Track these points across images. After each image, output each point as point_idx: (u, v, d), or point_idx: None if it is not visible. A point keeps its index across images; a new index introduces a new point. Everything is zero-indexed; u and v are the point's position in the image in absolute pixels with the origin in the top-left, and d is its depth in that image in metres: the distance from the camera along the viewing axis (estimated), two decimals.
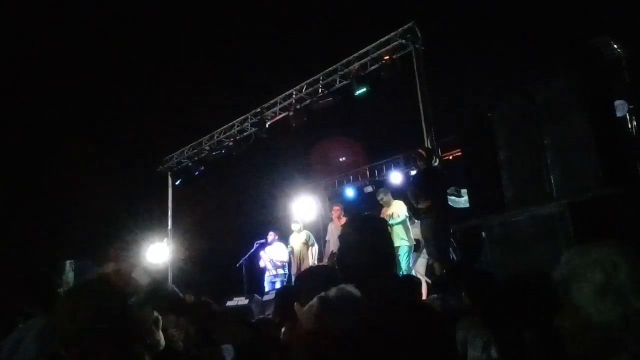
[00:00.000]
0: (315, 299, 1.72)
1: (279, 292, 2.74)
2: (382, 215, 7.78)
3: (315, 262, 9.45)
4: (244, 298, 9.12)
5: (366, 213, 8.08)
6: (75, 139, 14.18)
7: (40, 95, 13.67)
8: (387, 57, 8.74)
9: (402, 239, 7.62)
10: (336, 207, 9.56)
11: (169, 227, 12.94)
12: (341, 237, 2.02)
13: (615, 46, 7.18)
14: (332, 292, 1.72)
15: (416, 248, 7.89)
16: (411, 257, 7.76)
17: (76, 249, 12.50)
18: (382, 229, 2.07)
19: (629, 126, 6.83)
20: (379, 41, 9.05)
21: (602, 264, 1.14)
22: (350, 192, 13.18)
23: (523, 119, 4.96)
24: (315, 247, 9.69)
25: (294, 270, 9.55)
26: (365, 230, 1.98)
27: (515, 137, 5.00)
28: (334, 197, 13.45)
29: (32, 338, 2.95)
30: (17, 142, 13.54)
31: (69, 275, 10.90)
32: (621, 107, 6.41)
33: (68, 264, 11.67)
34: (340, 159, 14.06)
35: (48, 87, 13.68)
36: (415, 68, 8.25)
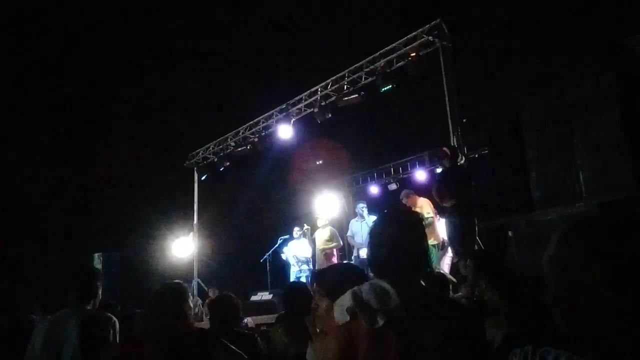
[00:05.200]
0: (347, 293, 1.75)
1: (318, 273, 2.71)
2: None
3: (337, 260, 9.49)
4: (267, 293, 9.19)
5: (399, 207, 8.03)
6: (105, 135, 14.47)
7: (69, 94, 13.97)
8: (413, 54, 8.68)
9: (428, 238, 7.61)
10: (362, 204, 9.57)
11: (195, 221, 13.09)
12: (373, 232, 1.94)
13: None
14: (365, 286, 1.74)
15: (441, 246, 7.87)
16: (437, 255, 7.75)
17: (104, 243, 12.78)
18: (417, 223, 1.95)
19: None
20: (405, 38, 8.99)
21: None
22: (374, 190, 13.17)
23: (553, 118, 4.91)
24: (340, 244, 9.71)
25: (318, 266, 9.59)
26: (400, 223, 1.91)
27: (545, 136, 4.96)
28: (357, 194, 13.47)
29: (74, 325, 3.09)
30: (50, 140, 13.87)
31: (98, 267, 11.11)
32: None
33: (97, 257, 11.94)
34: (364, 156, 14.05)
35: (76, 85, 13.97)
36: (442, 65, 8.18)
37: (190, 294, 3.02)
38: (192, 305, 3.00)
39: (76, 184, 14.33)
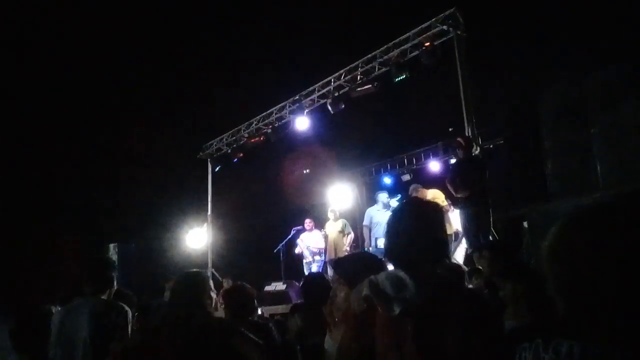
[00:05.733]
0: (364, 282, 1.75)
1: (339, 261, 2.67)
2: None
3: (349, 250, 9.50)
4: (281, 283, 9.24)
5: (418, 197, 8.00)
6: (120, 128, 14.58)
7: (79, 85, 14.06)
8: (427, 44, 8.61)
9: None
10: (385, 194, 9.57)
11: (209, 212, 13.17)
12: (391, 221, 1.93)
13: None
14: (382, 275, 1.73)
15: (455, 237, 7.84)
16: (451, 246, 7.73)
17: (120, 233, 12.92)
18: (436, 212, 1.94)
19: None
20: (419, 27, 8.91)
21: None
22: (387, 180, 13.13)
23: (570, 108, 4.86)
24: (351, 236, 9.72)
25: (328, 257, 9.62)
26: (419, 213, 1.90)
27: (561, 126, 4.91)
28: (370, 185, 13.43)
29: (85, 314, 3.16)
30: (63, 132, 13.99)
31: (113, 258, 11.24)
32: None
33: (112, 247, 12.08)
34: (377, 147, 14.00)
35: (88, 75, 14.06)
36: (456, 54, 8.10)
37: (211, 283, 3.04)
38: (213, 295, 3.02)
39: (92, 176, 14.48)
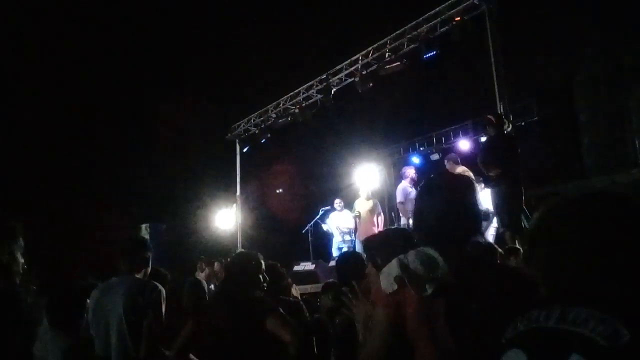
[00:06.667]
0: (393, 261, 1.71)
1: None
2: None
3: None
4: (310, 263, 9.28)
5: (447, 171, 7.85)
6: (149, 111, 14.75)
7: (110, 70, 14.23)
8: (457, 18, 8.40)
9: None
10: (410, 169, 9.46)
11: (238, 193, 13.25)
12: (420, 197, 1.86)
13: None
14: (411, 255, 1.68)
15: (486, 217, 7.71)
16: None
17: (151, 214, 13.15)
18: (467, 187, 1.84)
19: None
20: (449, 2, 8.70)
21: None
22: (415, 160, 12.96)
23: (607, 82, 4.68)
24: (382, 217, 9.64)
25: (359, 236, 9.56)
26: (449, 188, 1.82)
27: (598, 100, 4.74)
28: (398, 164, 13.30)
29: (121, 293, 3.23)
30: (97, 120, 14.25)
31: (145, 237, 11.46)
32: None
33: (144, 227, 12.33)
34: (405, 126, 13.82)
35: (117, 65, 14.23)
36: (487, 29, 7.88)
37: (262, 263, 3.13)
38: (265, 276, 3.14)
39: (125, 161, 14.73)
